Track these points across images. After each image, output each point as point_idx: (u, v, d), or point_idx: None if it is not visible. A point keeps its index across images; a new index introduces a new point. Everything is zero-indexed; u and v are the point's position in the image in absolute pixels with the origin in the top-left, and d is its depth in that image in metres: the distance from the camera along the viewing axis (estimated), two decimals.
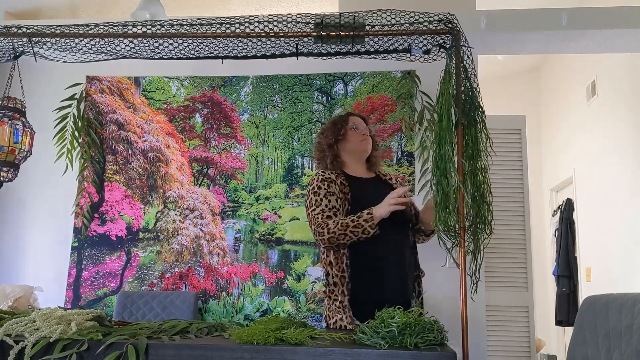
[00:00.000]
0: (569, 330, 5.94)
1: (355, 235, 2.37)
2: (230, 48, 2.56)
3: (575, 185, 5.99)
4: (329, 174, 2.56)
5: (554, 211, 6.56)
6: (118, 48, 2.58)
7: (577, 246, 5.87)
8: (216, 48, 2.56)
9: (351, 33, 2.40)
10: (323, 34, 2.41)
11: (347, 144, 2.66)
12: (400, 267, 2.50)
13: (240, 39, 2.49)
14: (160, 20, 2.50)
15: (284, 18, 2.43)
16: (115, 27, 2.47)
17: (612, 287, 4.86)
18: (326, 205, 2.48)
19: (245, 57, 2.64)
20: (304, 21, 2.43)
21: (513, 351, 4.39)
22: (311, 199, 2.53)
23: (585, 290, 5.57)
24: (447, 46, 2.39)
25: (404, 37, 2.43)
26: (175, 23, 2.49)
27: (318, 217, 2.47)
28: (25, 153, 3.01)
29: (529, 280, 4.49)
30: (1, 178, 2.96)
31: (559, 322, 5.81)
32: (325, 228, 2.41)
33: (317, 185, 2.53)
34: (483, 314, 4.04)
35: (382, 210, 2.35)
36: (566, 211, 6.06)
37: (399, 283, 2.48)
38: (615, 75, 5.14)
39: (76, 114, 4.54)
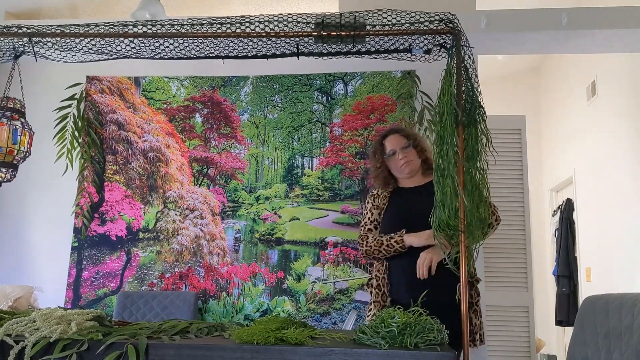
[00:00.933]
0: (569, 330, 5.93)
1: (388, 253, 2.55)
2: (231, 48, 2.55)
3: (575, 185, 5.99)
4: (377, 190, 2.79)
5: (554, 211, 6.56)
6: (118, 48, 2.58)
7: (577, 246, 5.87)
8: (217, 48, 2.56)
9: (352, 33, 2.39)
10: (324, 33, 2.40)
11: (391, 170, 2.76)
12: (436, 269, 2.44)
13: (240, 38, 2.48)
14: (161, 20, 2.50)
15: (285, 18, 2.43)
16: (115, 27, 2.47)
17: (612, 287, 4.86)
18: (369, 219, 2.73)
19: (245, 57, 2.64)
20: (305, 21, 2.43)
21: (513, 351, 4.39)
22: (364, 213, 2.79)
23: (585, 290, 5.57)
24: (448, 46, 2.39)
25: (404, 36, 2.42)
26: (175, 23, 2.49)
27: (361, 230, 2.73)
28: (24, 154, 3.00)
29: (529, 280, 4.49)
30: None
31: (559, 322, 5.81)
32: (364, 240, 2.64)
33: (367, 200, 2.80)
34: (483, 314, 4.04)
35: (412, 239, 2.48)
36: (566, 211, 6.06)
37: (431, 284, 2.42)
38: (615, 75, 5.14)
39: (76, 114, 4.53)
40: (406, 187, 2.74)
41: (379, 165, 2.76)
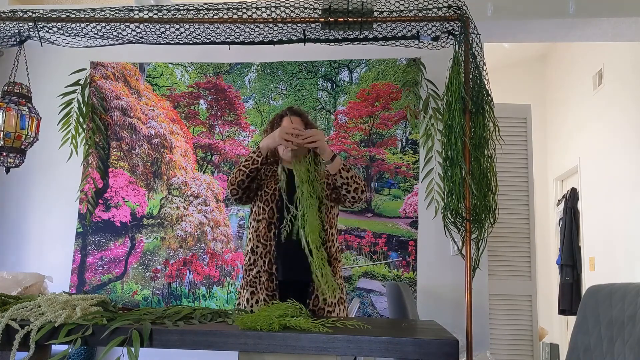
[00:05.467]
0: (572, 320, 5.94)
1: (247, 168, 2.45)
2: (237, 34, 2.54)
3: (580, 175, 5.97)
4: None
5: (559, 200, 6.54)
6: (124, 33, 2.57)
7: (581, 235, 5.86)
8: (222, 34, 2.55)
9: (359, 19, 2.38)
10: (331, 20, 2.39)
11: (279, 149, 2.63)
12: (297, 247, 2.40)
13: (246, 24, 2.47)
14: (166, 5, 2.49)
15: (291, 3, 2.41)
16: (121, 12, 2.46)
17: (616, 277, 4.86)
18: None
19: (252, 43, 2.63)
20: (312, 6, 2.41)
21: (516, 339, 4.40)
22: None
23: (589, 279, 5.57)
24: (456, 33, 2.37)
25: (412, 23, 2.40)
26: (181, 8, 2.48)
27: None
28: (31, 139, 3.00)
29: (533, 269, 4.50)
30: (7, 164, 2.96)
31: (561, 311, 5.81)
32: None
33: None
34: (486, 303, 4.05)
35: (267, 140, 2.45)
36: (571, 200, 6.05)
37: (290, 263, 2.50)
38: (622, 65, 5.10)
39: (80, 100, 4.53)
40: (289, 168, 2.59)
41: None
